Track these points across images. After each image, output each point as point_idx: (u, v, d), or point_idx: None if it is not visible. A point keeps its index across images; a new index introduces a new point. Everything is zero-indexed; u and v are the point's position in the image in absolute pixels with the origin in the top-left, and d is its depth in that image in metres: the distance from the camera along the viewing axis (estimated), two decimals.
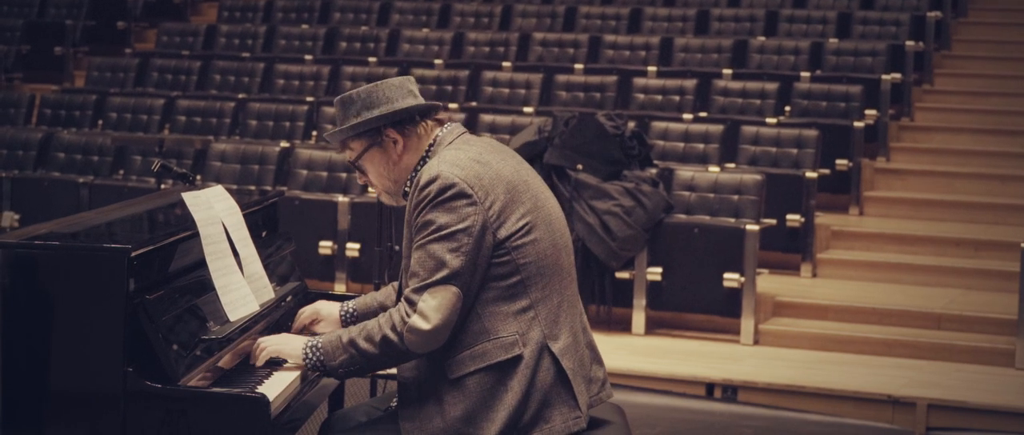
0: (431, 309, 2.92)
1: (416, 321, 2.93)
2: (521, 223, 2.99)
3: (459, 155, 3.02)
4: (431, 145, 3.13)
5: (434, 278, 2.93)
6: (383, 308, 3.31)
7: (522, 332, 2.98)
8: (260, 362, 3.20)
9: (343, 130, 3.14)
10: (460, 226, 2.94)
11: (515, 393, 2.97)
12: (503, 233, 2.98)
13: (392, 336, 2.95)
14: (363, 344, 2.99)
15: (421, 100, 3.15)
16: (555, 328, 3.02)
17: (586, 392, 3.06)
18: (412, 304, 2.95)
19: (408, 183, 3.12)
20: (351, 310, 3.43)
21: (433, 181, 2.97)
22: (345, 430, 3.20)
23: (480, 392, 2.97)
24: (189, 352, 3.07)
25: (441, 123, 3.17)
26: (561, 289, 3.05)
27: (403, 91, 3.13)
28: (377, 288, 5.21)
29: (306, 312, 3.45)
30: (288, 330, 3.49)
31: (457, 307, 2.94)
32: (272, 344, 3.19)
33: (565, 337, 3.03)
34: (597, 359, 3.17)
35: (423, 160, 3.12)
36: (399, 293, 3.16)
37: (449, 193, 2.95)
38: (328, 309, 3.45)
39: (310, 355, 3.07)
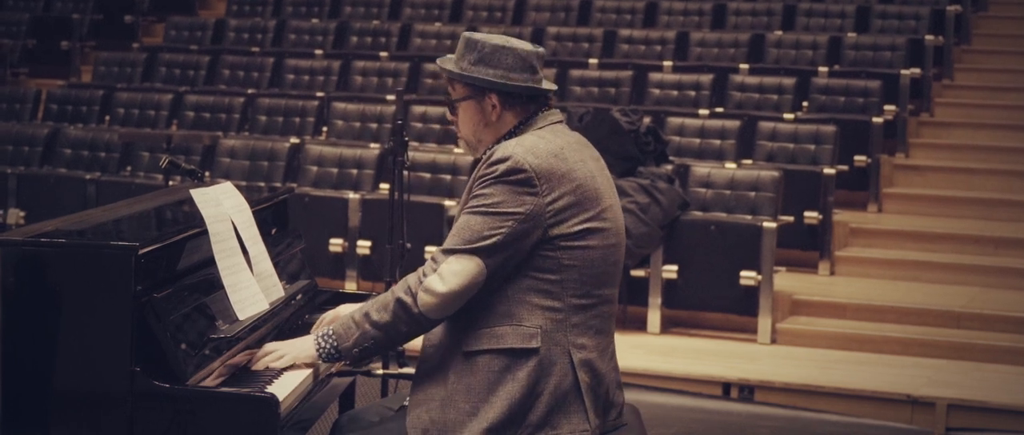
0: (451, 273, 2.90)
1: (433, 281, 2.92)
2: (579, 228, 2.95)
3: (540, 144, 2.97)
4: (522, 122, 3.08)
5: (466, 246, 2.92)
6: None
7: (545, 329, 2.94)
8: (259, 366, 3.16)
9: (452, 71, 3.10)
10: (511, 209, 2.92)
11: (519, 385, 2.92)
12: (556, 232, 2.94)
13: (406, 298, 2.94)
14: (375, 315, 2.97)
15: (539, 79, 3.09)
16: (581, 338, 2.97)
17: (598, 413, 3.00)
18: (435, 263, 2.94)
19: (488, 148, 3.08)
20: None
21: (504, 160, 2.94)
22: (356, 430, 3.16)
23: (486, 373, 2.94)
24: (198, 351, 3.05)
25: (543, 106, 3.11)
26: (598, 304, 3.00)
27: (525, 64, 3.06)
28: (388, 286, 5.18)
29: (328, 316, 3.40)
30: (298, 330, 3.45)
31: (477, 282, 2.91)
32: (287, 354, 3.15)
33: (590, 350, 2.98)
34: (619, 385, 3.12)
35: (510, 134, 3.08)
36: None
37: (515, 177, 2.92)
38: (351, 311, 3.36)
39: (322, 344, 3.04)
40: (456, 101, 3.11)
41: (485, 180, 2.95)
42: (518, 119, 3.08)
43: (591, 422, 2.97)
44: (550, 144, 2.98)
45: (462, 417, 2.93)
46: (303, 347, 3.11)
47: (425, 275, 2.93)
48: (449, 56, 3.16)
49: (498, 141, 3.07)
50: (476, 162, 3.12)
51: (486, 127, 3.09)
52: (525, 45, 3.09)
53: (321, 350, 3.05)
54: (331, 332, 3.04)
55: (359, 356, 3.06)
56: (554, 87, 3.14)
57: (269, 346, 3.20)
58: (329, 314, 3.39)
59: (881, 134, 8.64)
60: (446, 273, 2.90)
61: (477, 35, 3.10)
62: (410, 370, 3.14)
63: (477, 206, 2.94)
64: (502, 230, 2.90)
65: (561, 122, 3.11)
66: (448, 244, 2.94)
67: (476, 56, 3.06)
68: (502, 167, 2.93)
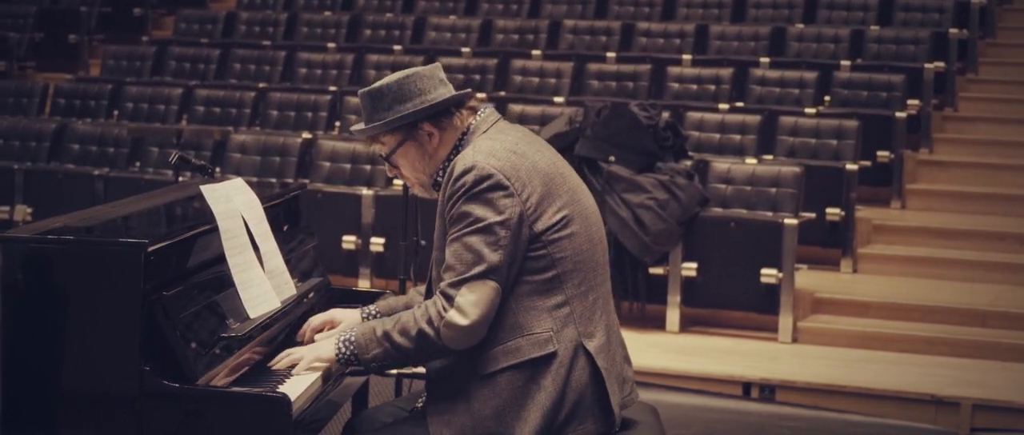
0: (469, 304, 2.87)
1: (454, 316, 2.87)
2: (558, 217, 2.95)
3: (495, 145, 2.97)
4: (465, 133, 3.07)
5: (472, 272, 2.87)
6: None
7: (557, 329, 2.93)
8: (281, 365, 3.16)
9: (376, 126, 3.06)
10: (497, 219, 2.88)
11: (548, 393, 2.91)
12: (540, 226, 2.93)
13: (428, 330, 2.91)
14: (397, 338, 2.95)
15: (453, 89, 3.09)
16: (590, 326, 2.97)
17: (619, 392, 3.02)
18: (449, 299, 2.89)
19: (440, 173, 3.06)
20: (375, 313, 3.37)
21: (469, 171, 2.91)
22: (369, 431, 3.14)
23: (512, 390, 2.91)
24: (208, 351, 3.03)
25: (474, 110, 3.10)
26: (597, 286, 3.01)
27: (435, 81, 3.06)
28: (402, 284, 5.18)
29: (317, 320, 3.36)
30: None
31: (496, 302, 2.89)
32: (309, 356, 3.13)
33: (600, 335, 2.98)
34: (627, 358, 3.13)
35: (456, 149, 3.06)
36: (428, 287, 3.11)
37: (485, 184, 2.89)
38: (345, 316, 3.36)
39: (343, 349, 3.03)
40: (391, 154, 3.08)
41: (457, 199, 2.91)
42: (457, 134, 3.05)
43: (615, 408, 2.97)
44: (504, 142, 2.97)
45: None
46: (324, 348, 3.09)
47: (445, 310, 2.89)
48: (358, 125, 3.12)
49: (449, 158, 3.04)
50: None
51: (431, 159, 3.06)
52: (421, 67, 3.09)
53: (341, 355, 3.03)
54: (352, 339, 3.02)
55: (375, 369, 3.07)
56: (468, 89, 3.13)
57: (288, 350, 3.19)
58: (317, 319, 3.34)
59: (904, 129, 8.60)
60: (465, 305, 2.87)
61: (374, 85, 3.06)
62: (424, 370, 3.06)
63: (464, 227, 2.89)
64: (499, 243, 2.88)
65: (500, 119, 3.09)
66: (454, 276, 2.89)
67: (388, 101, 3.03)
68: (470, 179, 2.89)
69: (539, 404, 2.89)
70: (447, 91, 3.05)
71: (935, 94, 9.23)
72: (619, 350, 3.07)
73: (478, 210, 2.88)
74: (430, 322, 2.90)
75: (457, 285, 2.87)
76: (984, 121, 9.43)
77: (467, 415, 2.92)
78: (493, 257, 2.86)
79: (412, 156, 3.06)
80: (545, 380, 2.90)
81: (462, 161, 2.92)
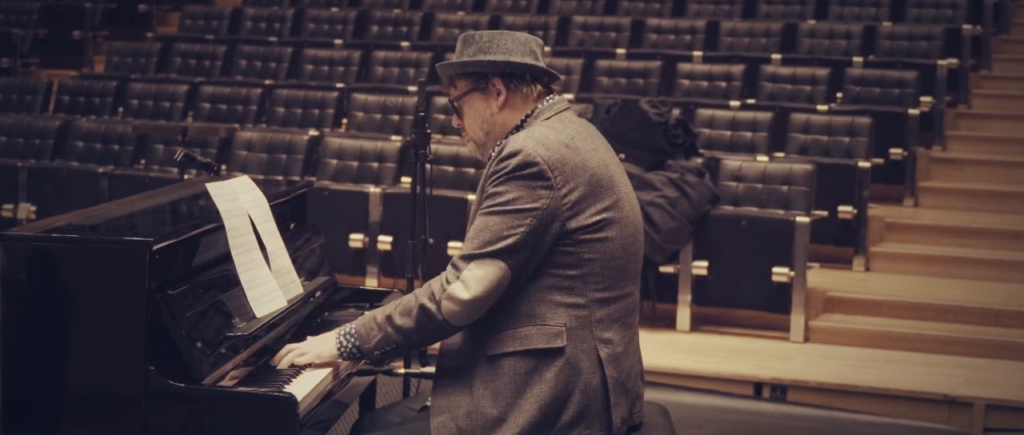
0: (474, 279, 2.87)
1: (456, 288, 2.88)
2: (595, 218, 2.92)
3: (549, 134, 2.95)
4: (529, 114, 3.06)
5: (486, 249, 2.88)
6: None
7: (570, 326, 2.91)
8: (283, 364, 3.15)
9: (453, 65, 3.10)
10: (528, 205, 2.88)
11: (548, 387, 2.89)
12: (574, 224, 2.90)
13: (430, 305, 2.91)
14: (399, 319, 2.95)
15: (541, 63, 3.09)
16: (607, 332, 2.95)
17: (625, 406, 2.98)
18: (457, 270, 2.91)
19: (496, 146, 3.05)
20: None
21: (515, 154, 2.90)
22: (377, 431, 3.13)
23: (512, 376, 2.91)
24: (214, 350, 3.02)
25: (548, 93, 3.10)
26: (622, 296, 2.99)
27: (525, 49, 3.07)
28: (409, 283, 5.16)
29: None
30: (318, 328, 3.46)
31: (502, 284, 2.88)
32: (309, 352, 3.11)
33: (616, 345, 2.96)
34: (642, 375, 3.11)
35: (518, 127, 3.06)
36: None
37: (528, 171, 2.89)
38: (371, 311, 3.27)
39: (344, 343, 3.02)
40: (459, 99, 3.11)
41: (498, 177, 2.92)
42: (525, 108, 3.06)
43: (616, 420, 2.95)
44: (560, 134, 2.96)
45: (491, 424, 2.89)
46: (324, 345, 3.07)
47: (448, 282, 2.90)
48: (444, 63, 3.16)
49: (507, 137, 3.03)
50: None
51: (491, 118, 3.07)
52: (521, 33, 3.12)
53: (342, 349, 3.02)
54: (353, 331, 3.01)
55: (380, 358, 3.04)
56: (557, 74, 3.13)
57: (290, 346, 3.17)
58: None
59: (917, 126, 8.55)
60: (469, 280, 2.87)
61: (472, 32, 3.12)
62: (432, 369, 3.10)
63: (493, 206, 2.91)
64: (521, 229, 2.87)
65: (568, 109, 3.09)
66: (468, 249, 2.91)
67: (475, 48, 3.07)
68: (514, 162, 2.90)
69: (537, 396, 2.87)
70: (532, 61, 3.05)
71: (948, 91, 9.19)
72: (636, 366, 3.04)
73: (511, 192, 2.88)
74: (432, 297, 2.90)
75: (467, 258, 2.88)
76: (998, 118, 9.37)
77: (467, 394, 2.92)
78: (511, 240, 2.86)
79: (476, 107, 3.07)
80: (548, 374, 2.88)
81: (513, 142, 2.93)
